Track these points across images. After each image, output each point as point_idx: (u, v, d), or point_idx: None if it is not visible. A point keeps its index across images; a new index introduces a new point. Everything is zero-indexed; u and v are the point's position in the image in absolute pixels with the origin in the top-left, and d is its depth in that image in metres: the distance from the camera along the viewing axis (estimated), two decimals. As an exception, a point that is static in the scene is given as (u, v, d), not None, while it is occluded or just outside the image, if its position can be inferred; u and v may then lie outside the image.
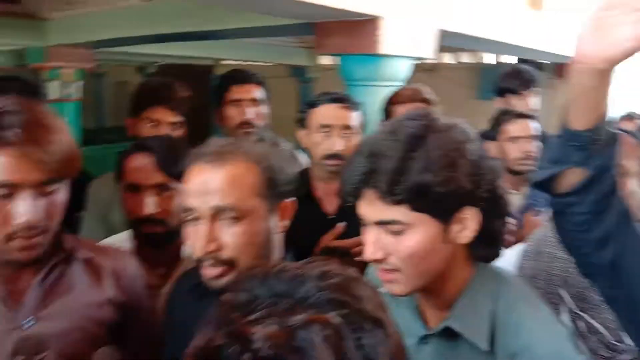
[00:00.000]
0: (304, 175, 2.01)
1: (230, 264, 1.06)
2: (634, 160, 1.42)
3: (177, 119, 2.28)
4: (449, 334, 0.99)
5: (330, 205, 1.93)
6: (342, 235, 1.78)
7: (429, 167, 0.90)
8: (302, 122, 2.00)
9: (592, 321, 1.38)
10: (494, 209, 0.99)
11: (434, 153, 0.91)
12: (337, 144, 1.90)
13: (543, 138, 2.46)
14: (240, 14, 2.78)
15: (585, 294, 1.40)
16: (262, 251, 1.09)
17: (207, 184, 1.05)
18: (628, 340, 1.20)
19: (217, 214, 1.05)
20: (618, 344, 1.32)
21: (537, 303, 1.04)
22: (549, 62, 5.66)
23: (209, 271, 1.07)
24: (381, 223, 0.95)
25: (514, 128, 2.45)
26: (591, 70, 0.89)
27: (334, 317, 0.56)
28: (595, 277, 1.10)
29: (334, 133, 1.91)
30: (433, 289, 1.00)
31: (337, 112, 1.94)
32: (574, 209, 0.99)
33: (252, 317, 0.57)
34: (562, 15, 4.93)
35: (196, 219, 1.07)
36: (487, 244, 1.01)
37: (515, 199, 2.46)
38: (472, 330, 0.97)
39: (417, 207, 0.92)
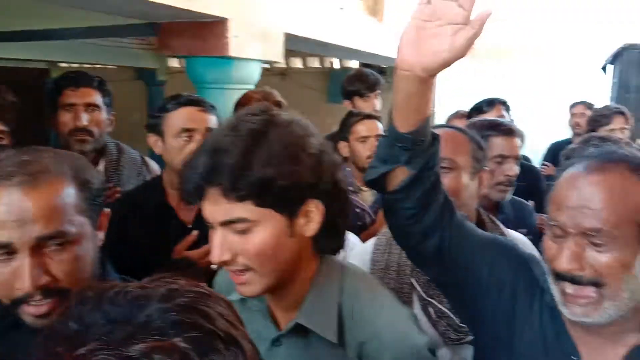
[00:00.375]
0: (157, 183, 1.90)
1: (61, 295, 0.92)
2: (464, 155, 1.55)
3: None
4: (299, 332, 0.99)
5: (188, 213, 1.83)
6: (198, 244, 1.71)
7: (272, 161, 0.89)
8: (154, 128, 1.84)
9: (440, 306, 1.47)
10: (336, 202, 1.00)
11: (276, 147, 0.90)
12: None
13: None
14: (77, 12, 2.56)
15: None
16: (91, 271, 0.98)
17: (21, 211, 0.89)
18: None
19: (40, 244, 0.91)
20: (464, 325, 1.42)
21: (380, 290, 1.07)
22: (389, 67, 6.06)
23: (36, 309, 0.91)
24: (226, 223, 0.92)
25: (362, 128, 2.58)
26: (412, 77, 0.94)
27: (179, 341, 0.50)
28: (425, 265, 1.18)
29: (196, 137, 1.78)
30: (283, 287, 1.00)
31: (197, 115, 1.81)
32: (402, 204, 1.05)
33: (83, 350, 0.49)
34: (401, 23, 5.32)
35: (11, 253, 0.90)
36: (331, 235, 1.02)
37: (368, 195, 2.58)
38: (321, 324, 0.98)
39: (261, 203, 0.91)
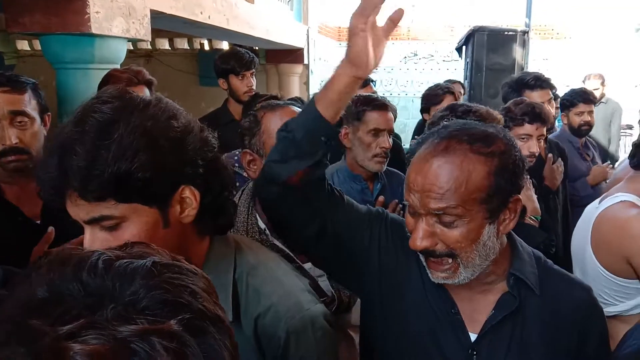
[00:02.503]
0: None
1: None
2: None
3: None
4: None
5: (33, 208, 1.61)
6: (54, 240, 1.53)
7: (124, 155, 0.82)
8: None
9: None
10: (214, 182, 0.96)
11: (128, 138, 0.82)
12: (8, 136, 1.54)
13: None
14: None
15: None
16: None
17: None
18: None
19: None
20: (323, 298, 1.50)
21: (275, 263, 1.06)
22: (261, 49, 6.03)
23: None
24: (92, 221, 0.86)
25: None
26: (357, 79, 1.06)
27: (174, 324, 0.47)
28: (310, 247, 1.19)
29: (2, 124, 1.54)
30: None
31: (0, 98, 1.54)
32: (295, 194, 1.07)
33: (67, 328, 0.43)
34: (272, 6, 5.30)
35: None
36: (216, 216, 0.98)
37: None
38: None
39: (123, 198, 0.84)
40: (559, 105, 3.68)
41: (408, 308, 1.13)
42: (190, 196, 0.91)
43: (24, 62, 6.34)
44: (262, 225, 1.51)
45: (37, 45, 4.71)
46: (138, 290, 0.48)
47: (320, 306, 1.04)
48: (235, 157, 2.51)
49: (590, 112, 3.49)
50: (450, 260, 1.03)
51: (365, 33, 1.02)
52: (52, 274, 0.48)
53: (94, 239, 0.87)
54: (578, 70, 6.35)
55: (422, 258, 1.07)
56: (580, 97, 3.50)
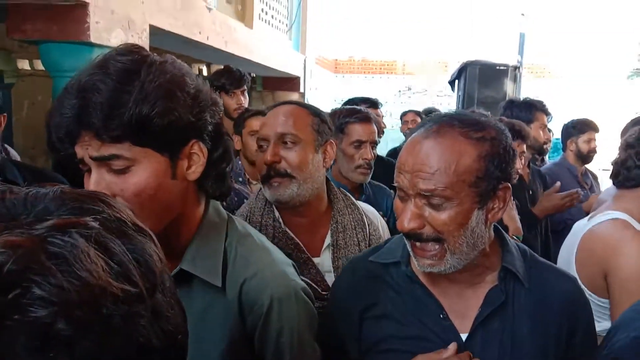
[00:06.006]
0: None
1: None
2: (306, 129, 1.54)
3: None
4: (182, 278, 0.97)
5: None
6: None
7: (146, 99, 0.85)
8: None
9: (302, 277, 1.53)
10: (219, 145, 0.99)
11: (150, 85, 0.86)
12: None
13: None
14: None
15: (292, 256, 1.55)
16: None
17: None
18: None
19: None
20: (325, 292, 1.49)
21: (263, 239, 1.09)
22: (258, 76, 6.15)
23: None
24: (101, 159, 0.87)
25: (255, 123, 2.65)
26: None
27: (90, 220, 0.46)
28: None
29: None
30: (167, 232, 0.96)
31: None
32: None
33: None
34: (270, 33, 5.43)
35: None
36: (217, 180, 1.01)
37: (256, 188, 2.65)
38: (207, 269, 0.97)
39: (138, 142, 0.87)
40: (559, 134, 3.78)
41: (392, 326, 1.11)
42: (198, 152, 0.94)
43: (22, 81, 6.40)
44: (277, 214, 1.53)
45: (38, 65, 4.78)
46: (49, 205, 0.47)
47: (303, 283, 1.05)
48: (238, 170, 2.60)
49: (595, 140, 3.61)
50: (437, 246, 1.01)
51: None
52: None
53: (99, 180, 0.88)
54: (569, 110, 6.48)
55: (408, 245, 1.06)
56: (589, 125, 3.61)
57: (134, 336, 0.45)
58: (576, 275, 1.70)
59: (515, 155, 1.05)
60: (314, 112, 1.55)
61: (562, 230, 3.07)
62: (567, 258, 1.79)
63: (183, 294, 0.96)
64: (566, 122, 3.75)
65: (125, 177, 0.88)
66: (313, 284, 1.43)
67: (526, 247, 1.17)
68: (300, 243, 1.50)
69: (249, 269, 0.99)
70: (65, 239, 0.43)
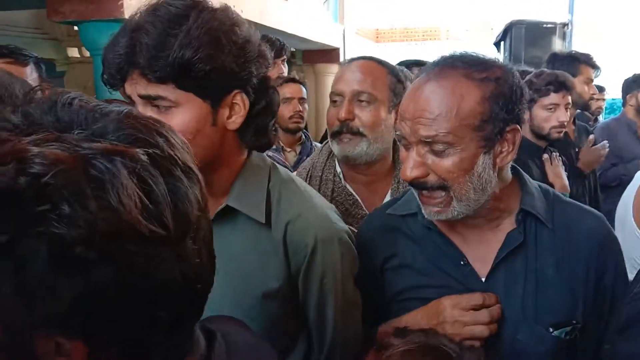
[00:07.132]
0: None
1: None
2: (383, 88, 1.52)
3: None
4: (227, 214, 1.00)
5: None
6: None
7: (190, 44, 0.88)
8: None
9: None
10: (263, 99, 0.99)
11: (196, 31, 0.88)
12: None
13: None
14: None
15: (349, 211, 1.56)
16: None
17: None
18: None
19: None
20: None
21: (306, 185, 1.11)
22: (297, 50, 6.14)
23: None
24: (148, 97, 0.91)
25: (286, 90, 2.66)
26: None
27: (140, 152, 0.45)
28: None
29: None
30: (208, 176, 0.93)
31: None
32: None
33: (31, 138, 0.42)
34: (307, 3, 5.39)
35: None
36: (258, 132, 1.02)
37: (291, 155, 2.71)
38: (250, 206, 1.00)
39: (182, 85, 0.90)
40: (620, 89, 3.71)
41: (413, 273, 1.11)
42: (240, 103, 0.96)
43: (73, 69, 6.65)
44: (339, 169, 1.55)
45: (86, 52, 4.94)
46: (108, 125, 0.46)
47: (346, 227, 1.06)
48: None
49: None
50: (442, 194, 0.99)
51: None
52: (29, 105, 0.47)
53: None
54: (623, 70, 6.15)
55: (415, 194, 1.05)
56: None
57: (152, 276, 0.46)
58: (633, 222, 1.65)
59: (524, 95, 1.00)
60: (392, 70, 1.52)
61: (616, 186, 3.02)
62: (624, 209, 1.74)
63: (228, 230, 1.01)
64: (627, 77, 3.66)
65: (167, 117, 0.91)
66: None
67: (549, 187, 1.13)
68: (359, 199, 1.51)
69: (293, 211, 1.01)
70: (108, 165, 0.42)
